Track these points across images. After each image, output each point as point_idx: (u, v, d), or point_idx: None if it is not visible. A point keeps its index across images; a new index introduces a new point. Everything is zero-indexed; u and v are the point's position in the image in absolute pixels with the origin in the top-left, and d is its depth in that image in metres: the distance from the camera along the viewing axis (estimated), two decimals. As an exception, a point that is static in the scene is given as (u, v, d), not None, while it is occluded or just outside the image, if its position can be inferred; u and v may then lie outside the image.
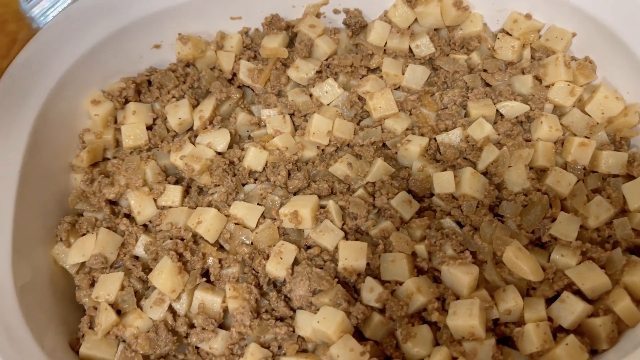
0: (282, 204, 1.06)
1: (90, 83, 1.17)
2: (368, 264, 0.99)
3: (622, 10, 1.08)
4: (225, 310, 0.99)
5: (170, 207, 1.09)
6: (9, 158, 1.01)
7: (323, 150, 1.14)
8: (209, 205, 1.08)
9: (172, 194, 1.09)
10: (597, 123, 1.10)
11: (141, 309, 0.99)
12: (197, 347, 0.97)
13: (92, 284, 1.02)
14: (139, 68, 1.23)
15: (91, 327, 0.99)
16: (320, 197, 1.08)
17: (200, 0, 1.19)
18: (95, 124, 1.16)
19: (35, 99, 1.06)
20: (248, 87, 1.23)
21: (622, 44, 1.08)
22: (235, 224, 1.05)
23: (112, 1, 1.13)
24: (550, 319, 0.94)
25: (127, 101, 1.19)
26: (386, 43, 1.23)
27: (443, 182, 1.04)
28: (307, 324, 0.93)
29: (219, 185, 1.09)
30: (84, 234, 1.07)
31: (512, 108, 1.13)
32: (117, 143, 1.17)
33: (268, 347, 0.95)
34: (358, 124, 1.17)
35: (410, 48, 1.22)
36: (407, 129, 1.14)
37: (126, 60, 1.21)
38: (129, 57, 1.21)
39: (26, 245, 1.00)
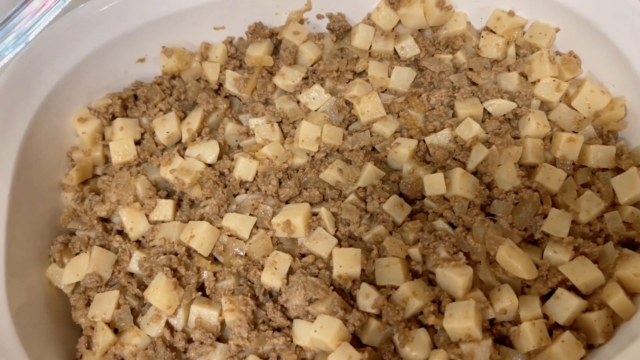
0: (274, 214, 1.06)
1: (76, 101, 1.16)
2: (363, 270, 1.00)
3: (603, 4, 1.08)
4: (223, 324, 0.99)
5: (162, 221, 1.09)
6: (-3, 182, 1.00)
7: (313, 156, 1.14)
8: (201, 218, 1.07)
9: (164, 208, 1.09)
10: (584, 117, 1.11)
11: (138, 326, 0.99)
12: (196, 362, 0.97)
13: (88, 304, 1.02)
14: (125, 83, 1.23)
15: (89, 347, 0.99)
16: (312, 204, 1.08)
17: (182, 12, 1.18)
18: (83, 141, 1.15)
19: (21, 120, 1.06)
20: (235, 96, 1.23)
21: (605, 38, 1.09)
22: (229, 235, 1.05)
23: (94, 18, 1.12)
24: (545, 316, 0.94)
25: (114, 117, 1.18)
26: (371, 46, 1.22)
27: (433, 184, 1.05)
28: (305, 334, 0.94)
29: (210, 197, 1.09)
30: (77, 253, 1.07)
31: (499, 106, 1.13)
32: (107, 159, 1.17)
33: (267, 358, 0.95)
34: (347, 128, 1.17)
35: (395, 50, 1.22)
36: (395, 132, 1.14)
37: (111, 76, 1.20)
38: (113, 72, 1.20)
39: (20, 268, 1.00)
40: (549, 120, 1.11)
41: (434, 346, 0.93)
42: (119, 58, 1.19)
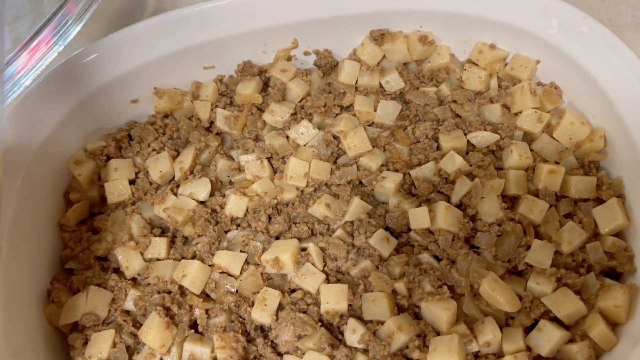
0: (264, 249, 1.09)
1: (72, 144, 1.20)
2: (350, 305, 1.02)
3: (581, 38, 1.10)
4: (215, 360, 1.02)
5: (157, 259, 1.12)
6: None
7: (302, 191, 1.17)
8: (194, 255, 1.11)
9: (158, 246, 1.12)
10: (566, 148, 1.13)
11: (133, 365, 1.02)
12: (189, 399, 1.00)
13: (86, 343, 1.05)
14: (119, 123, 1.27)
15: (87, 386, 1.03)
16: (300, 239, 1.11)
17: (173, 54, 1.22)
18: (79, 183, 1.19)
19: (20, 164, 1.09)
20: (226, 133, 1.26)
21: (583, 70, 1.11)
22: (220, 272, 1.08)
23: (86, 65, 1.16)
24: (529, 348, 0.96)
25: (109, 158, 1.22)
26: (357, 81, 1.26)
27: (418, 217, 1.07)
28: (294, 370, 0.97)
29: (202, 235, 1.12)
30: (75, 293, 1.10)
31: (483, 138, 1.16)
32: (102, 199, 1.21)
33: (257, 394, 0.98)
34: (335, 162, 1.20)
35: (380, 84, 1.25)
36: (382, 165, 1.17)
37: (105, 117, 1.24)
38: (108, 114, 1.24)
39: (19, 308, 1.03)
40: (531, 150, 1.14)
41: (419, 380, 0.96)
42: (112, 100, 1.23)
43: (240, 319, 1.05)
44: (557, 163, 1.12)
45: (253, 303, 1.04)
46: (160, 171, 1.19)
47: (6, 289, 1.01)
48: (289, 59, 1.29)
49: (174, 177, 1.21)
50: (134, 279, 1.13)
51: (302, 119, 1.22)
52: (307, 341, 0.98)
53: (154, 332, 1.00)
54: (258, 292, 1.05)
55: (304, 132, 1.21)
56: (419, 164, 1.15)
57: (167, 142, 1.24)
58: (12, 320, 1.00)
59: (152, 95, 1.25)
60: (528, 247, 1.04)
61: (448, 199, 1.11)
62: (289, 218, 1.13)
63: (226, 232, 1.14)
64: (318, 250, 1.08)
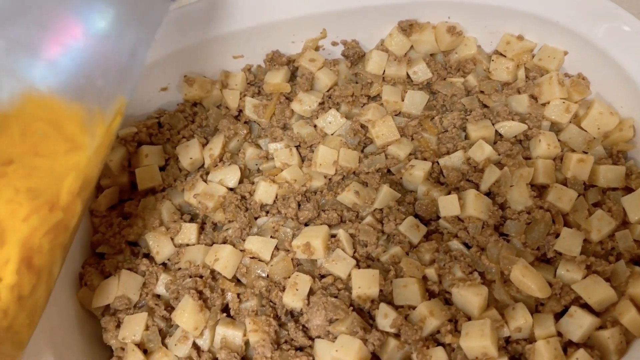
0: (294, 235, 1.10)
1: (103, 130, 1.21)
2: (381, 290, 1.03)
3: (609, 28, 1.11)
4: (247, 343, 1.03)
5: (187, 244, 1.13)
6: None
7: (330, 179, 1.18)
8: (224, 241, 1.12)
9: (188, 231, 1.13)
10: (594, 138, 1.14)
11: (166, 347, 1.03)
12: (222, 381, 1.01)
13: (118, 325, 1.07)
14: (148, 111, 1.28)
15: (120, 368, 1.04)
16: (330, 226, 1.12)
17: (202, 43, 1.23)
18: (109, 168, 1.20)
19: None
20: (254, 122, 1.27)
21: (612, 60, 1.12)
22: (251, 258, 1.09)
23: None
24: (559, 333, 0.97)
25: (139, 144, 1.23)
26: (384, 71, 1.27)
27: (448, 205, 1.08)
28: (326, 353, 0.97)
29: (232, 221, 1.13)
30: (106, 277, 1.11)
31: (511, 128, 1.17)
32: (132, 185, 1.22)
33: (290, 377, 0.99)
34: (362, 151, 1.21)
35: (408, 74, 1.26)
36: (410, 154, 1.18)
37: (136, 105, 1.26)
38: (138, 101, 1.26)
39: (53, 292, 1.04)
40: (559, 141, 1.15)
41: (452, 364, 0.97)
42: (143, 88, 1.25)
43: (272, 304, 1.06)
44: (585, 153, 1.13)
45: (284, 288, 1.05)
46: (191, 158, 1.20)
47: (41, 271, 1.02)
48: (317, 49, 1.30)
49: (203, 164, 1.22)
50: (164, 264, 1.14)
51: (330, 108, 1.24)
52: (339, 325, 0.99)
53: (187, 314, 1.01)
54: (289, 277, 1.06)
55: (332, 121, 1.22)
56: (448, 153, 1.16)
57: (197, 130, 1.25)
58: (47, 302, 1.01)
59: (182, 83, 1.26)
60: (557, 235, 1.05)
61: (477, 187, 1.11)
62: (317, 205, 1.14)
63: (256, 218, 1.16)
64: (348, 236, 1.09)
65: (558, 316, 0.99)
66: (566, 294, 1.00)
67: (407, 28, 1.25)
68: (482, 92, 1.23)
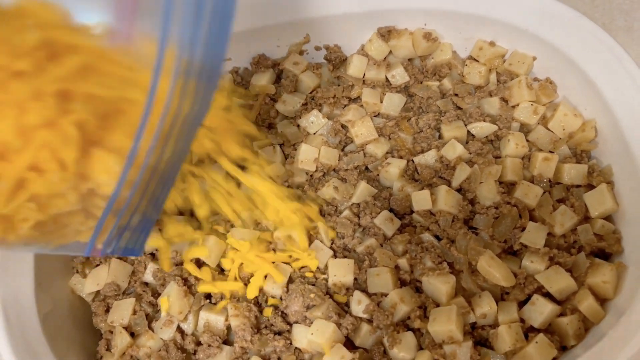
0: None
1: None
2: (356, 279, 1.09)
3: (575, 36, 1.18)
4: (229, 328, 1.09)
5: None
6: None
7: (311, 175, 1.24)
8: (209, 232, 1.18)
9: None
10: (560, 138, 1.21)
11: (152, 330, 1.09)
12: (204, 363, 1.07)
13: (107, 310, 1.13)
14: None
15: (108, 349, 1.10)
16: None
17: (193, 46, 1.30)
18: (103, 164, 1.26)
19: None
20: (241, 121, 1.34)
21: (577, 66, 1.19)
22: (234, 248, 1.15)
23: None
24: (522, 320, 1.03)
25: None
26: (364, 74, 1.34)
27: (421, 200, 1.14)
28: (303, 337, 1.03)
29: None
30: (97, 265, 1.17)
31: (482, 128, 1.23)
32: (124, 180, 1.28)
33: (268, 359, 1.05)
34: (342, 149, 1.28)
35: (386, 78, 1.33)
36: (387, 153, 1.24)
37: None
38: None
39: (46, 279, 1.10)
40: (527, 141, 1.21)
41: (420, 347, 1.03)
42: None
43: (253, 291, 1.12)
44: (551, 152, 1.20)
45: (265, 276, 1.11)
46: (179, 154, 1.26)
47: (36, 259, 1.09)
48: (301, 53, 1.37)
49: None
50: (152, 254, 1.20)
51: (313, 109, 1.30)
52: (316, 310, 1.05)
53: (172, 299, 1.07)
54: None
55: (314, 121, 1.29)
56: (422, 152, 1.23)
57: (186, 128, 1.31)
58: (41, 288, 1.08)
59: (173, 84, 1.33)
60: (523, 229, 1.11)
61: (449, 184, 1.18)
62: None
63: (240, 211, 1.22)
64: (326, 228, 1.15)
65: (521, 304, 1.05)
66: (530, 283, 1.06)
67: (386, 34, 1.32)
68: (456, 94, 1.29)
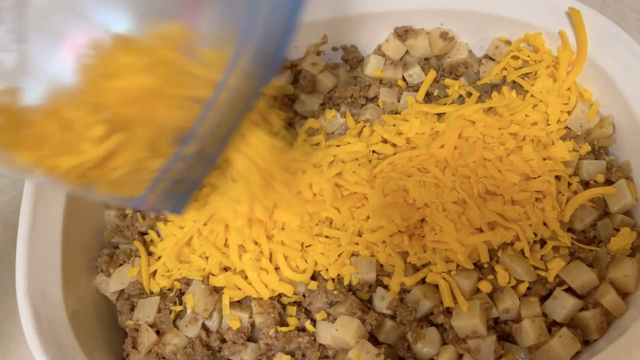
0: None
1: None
2: (378, 276, 1.10)
3: (592, 32, 1.19)
4: (253, 325, 1.10)
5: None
6: (54, 205, 1.13)
7: (331, 174, 1.25)
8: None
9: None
10: (578, 135, 1.22)
11: (177, 328, 1.10)
12: (229, 359, 1.08)
13: (132, 309, 1.14)
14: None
15: (134, 347, 1.11)
16: (331, 217, 1.19)
17: (212, 48, 1.32)
18: (125, 164, 1.28)
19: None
20: (260, 121, 1.35)
21: (594, 62, 1.20)
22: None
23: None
24: (545, 315, 1.04)
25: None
26: (382, 74, 1.35)
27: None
28: (327, 333, 1.04)
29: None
30: (121, 264, 1.19)
31: (499, 126, 1.24)
32: (145, 180, 1.29)
33: (293, 355, 1.06)
34: (361, 149, 1.29)
35: (403, 77, 1.35)
36: (405, 151, 1.25)
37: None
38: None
39: (72, 278, 1.12)
40: (545, 138, 1.22)
41: (444, 342, 1.04)
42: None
43: (276, 289, 1.13)
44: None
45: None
46: (200, 155, 1.28)
47: (63, 259, 1.10)
48: (318, 53, 1.39)
49: (211, 161, 1.30)
50: (175, 254, 1.21)
51: (330, 108, 1.32)
52: (339, 307, 1.06)
53: (197, 297, 1.08)
54: (293, 265, 1.13)
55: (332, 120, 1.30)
56: (440, 150, 1.23)
57: (206, 129, 1.33)
58: (67, 288, 1.09)
59: (193, 85, 1.34)
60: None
61: (468, 181, 1.19)
62: (319, 198, 1.22)
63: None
64: (348, 226, 1.16)
65: (543, 299, 1.06)
66: (551, 278, 1.06)
67: (403, 34, 1.33)
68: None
